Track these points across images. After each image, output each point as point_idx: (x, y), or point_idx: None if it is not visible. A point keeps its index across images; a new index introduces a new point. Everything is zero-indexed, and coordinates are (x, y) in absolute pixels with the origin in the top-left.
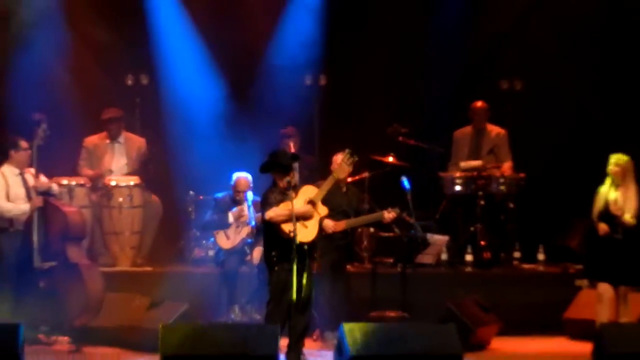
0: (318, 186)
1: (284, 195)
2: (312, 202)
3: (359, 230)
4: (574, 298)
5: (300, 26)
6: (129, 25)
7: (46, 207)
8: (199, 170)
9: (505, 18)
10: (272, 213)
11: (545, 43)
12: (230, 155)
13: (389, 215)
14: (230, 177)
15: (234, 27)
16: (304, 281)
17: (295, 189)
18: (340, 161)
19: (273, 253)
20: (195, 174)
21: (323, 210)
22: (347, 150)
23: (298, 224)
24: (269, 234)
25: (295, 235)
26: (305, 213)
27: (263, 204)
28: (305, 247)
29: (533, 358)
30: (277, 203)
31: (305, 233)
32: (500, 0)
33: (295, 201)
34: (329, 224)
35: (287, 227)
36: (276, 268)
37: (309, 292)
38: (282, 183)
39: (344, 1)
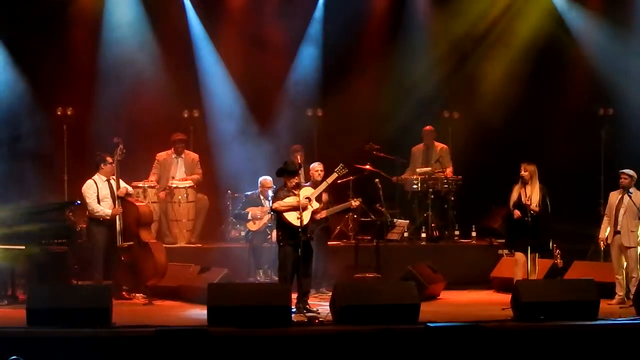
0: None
1: (290, 192)
2: (308, 199)
3: (346, 216)
4: (497, 263)
5: (303, 72)
6: (186, 72)
7: (125, 203)
8: (234, 176)
9: (448, 65)
10: (277, 205)
11: (477, 83)
12: (256, 164)
13: (355, 202)
14: (257, 180)
15: (258, 72)
16: (305, 253)
17: (301, 187)
18: (317, 175)
19: (279, 233)
20: (232, 178)
21: (315, 204)
22: (340, 165)
23: (296, 213)
24: (278, 220)
25: (302, 221)
26: (302, 206)
27: (273, 198)
28: (300, 229)
29: (470, 305)
30: (284, 198)
31: (299, 221)
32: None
33: (295, 198)
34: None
35: (288, 216)
36: (281, 244)
37: (308, 260)
38: (290, 184)
39: (336, 55)
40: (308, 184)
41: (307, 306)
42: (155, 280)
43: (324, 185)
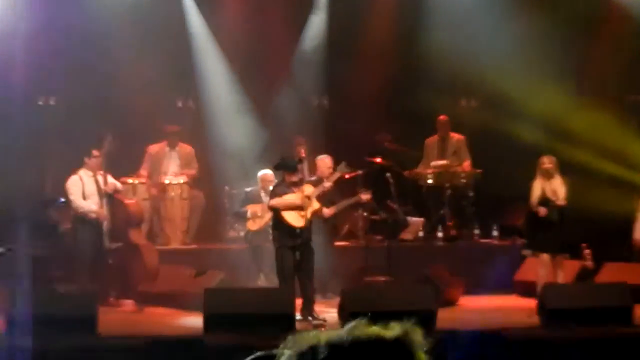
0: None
1: (289, 189)
2: (308, 197)
3: (355, 214)
4: (522, 264)
5: (307, 58)
6: (179, 59)
7: (112, 201)
8: (233, 170)
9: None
10: (274, 202)
11: (495, 69)
12: (256, 159)
13: (364, 196)
14: (256, 176)
15: (258, 60)
16: (305, 256)
17: (302, 184)
18: (325, 169)
19: (276, 233)
20: (230, 173)
21: (316, 204)
22: (343, 163)
23: (295, 213)
24: (274, 218)
25: (306, 220)
26: (301, 205)
27: (271, 194)
28: (298, 230)
29: (492, 311)
30: (282, 195)
31: (299, 220)
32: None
33: (295, 196)
34: (326, 210)
35: (287, 215)
36: (278, 245)
37: (310, 263)
38: (289, 179)
39: (342, 38)
40: (314, 178)
41: (313, 313)
42: (146, 285)
43: (322, 188)
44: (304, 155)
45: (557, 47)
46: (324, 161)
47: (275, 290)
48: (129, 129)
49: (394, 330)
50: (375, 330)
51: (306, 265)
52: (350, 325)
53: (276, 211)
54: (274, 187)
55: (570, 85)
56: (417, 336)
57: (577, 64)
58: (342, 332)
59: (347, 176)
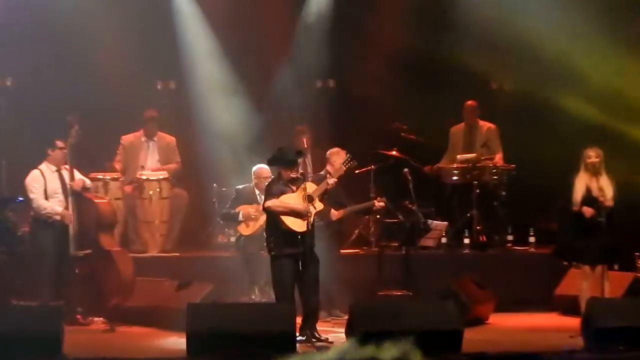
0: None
1: (286, 187)
2: (310, 197)
3: (367, 217)
4: (564, 276)
5: (311, 35)
6: (159, 35)
7: (80, 199)
8: (222, 165)
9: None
10: (270, 203)
11: (530, 47)
12: (250, 151)
13: (379, 203)
14: (250, 170)
15: (253, 37)
16: (307, 265)
17: (304, 181)
18: (339, 165)
19: (272, 239)
20: (219, 168)
21: (319, 205)
22: (347, 156)
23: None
24: (270, 221)
25: (309, 222)
26: (303, 211)
27: (266, 193)
28: (299, 236)
29: (528, 332)
30: (279, 194)
31: (300, 224)
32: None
33: (295, 195)
34: (334, 213)
35: (284, 218)
36: (274, 254)
37: (313, 274)
38: (286, 175)
39: (349, 13)
40: (323, 172)
41: (316, 333)
42: (120, 300)
43: (324, 185)
44: (306, 146)
45: (617, 16)
46: (340, 155)
47: (273, 306)
48: (99, 115)
49: (390, 351)
50: (370, 351)
51: (309, 277)
52: (342, 346)
53: (272, 213)
54: (269, 184)
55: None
56: (417, 358)
57: None
58: (334, 354)
59: (357, 171)
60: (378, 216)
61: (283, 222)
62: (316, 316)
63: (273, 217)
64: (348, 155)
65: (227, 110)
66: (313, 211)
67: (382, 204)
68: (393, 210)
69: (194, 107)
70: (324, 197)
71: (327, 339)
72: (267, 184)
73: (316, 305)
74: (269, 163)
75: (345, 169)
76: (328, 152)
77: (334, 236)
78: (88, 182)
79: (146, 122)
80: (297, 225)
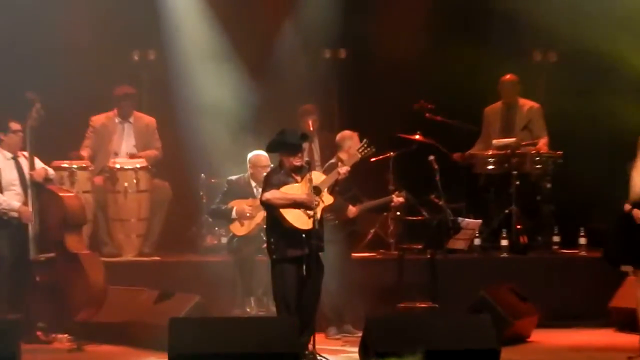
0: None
1: (289, 177)
2: (317, 189)
3: (385, 214)
4: (620, 285)
5: None
6: None
7: (41, 193)
8: (211, 152)
9: None
10: (269, 195)
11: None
12: (245, 136)
13: (397, 199)
14: (245, 157)
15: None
16: (312, 271)
17: (310, 170)
18: (354, 151)
19: (272, 240)
20: (207, 156)
21: (328, 199)
22: (364, 141)
23: (299, 212)
24: (269, 218)
25: (315, 220)
26: (308, 202)
27: (264, 184)
28: (304, 236)
29: (578, 352)
30: (280, 185)
31: (305, 221)
32: None
33: (299, 186)
34: (352, 209)
35: (288, 214)
36: (276, 257)
37: (317, 281)
38: (289, 163)
39: None
40: (334, 160)
41: (315, 352)
42: (88, 313)
43: (335, 175)
44: (312, 129)
45: None
46: (354, 140)
47: (272, 321)
48: (64, 92)
49: None
50: None
51: (311, 284)
52: None
53: (272, 208)
54: (269, 174)
55: None
56: None
57: None
58: None
59: (372, 159)
60: (398, 213)
61: (284, 219)
62: (311, 332)
63: (273, 213)
64: (364, 140)
65: (217, 85)
66: (321, 205)
67: (401, 198)
68: (416, 205)
69: (178, 81)
70: (334, 189)
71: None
72: (265, 173)
73: (312, 318)
74: (269, 149)
75: (360, 156)
76: (339, 136)
77: (345, 237)
78: (51, 172)
79: (120, 100)
80: (301, 222)
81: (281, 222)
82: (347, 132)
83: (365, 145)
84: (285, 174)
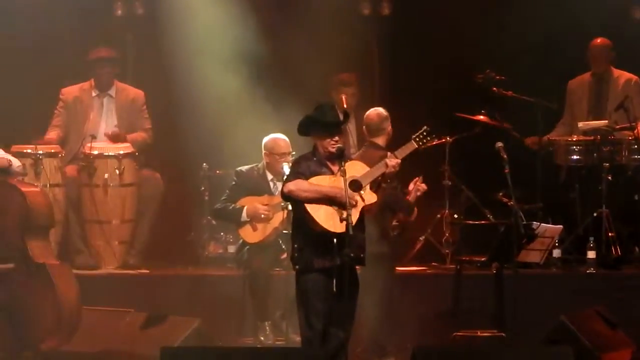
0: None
1: (323, 166)
2: (356, 184)
3: (438, 216)
4: None
5: None
6: None
7: (1, 187)
8: (216, 137)
9: None
10: (293, 185)
11: None
12: (260, 116)
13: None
14: (259, 144)
15: None
16: (344, 286)
17: (344, 158)
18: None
19: (297, 246)
20: (211, 142)
21: (370, 197)
22: (424, 128)
23: (333, 211)
24: (296, 219)
25: (349, 223)
26: (342, 198)
27: (290, 172)
28: (337, 241)
29: None
30: (309, 175)
31: (338, 223)
32: None
33: (333, 179)
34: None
35: (316, 212)
36: (300, 268)
37: (351, 300)
38: (324, 149)
39: None
40: (365, 148)
41: None
42: (57, 341)
43: (381, 168)
44: (347, 106)
45: None
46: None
47: (293, 352)
48: (27, 59)
49: None
50: None
51: (343, 305)
52: None
53: (298, 205)
54: (298, 160)
55: None
56: None
57: None
58: None
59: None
60: (456, 215)
61: (312, 218)
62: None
63: (299, 212)
64: (424, 127)
65: (221, 46)
66: (360, 204)
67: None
68: (478, 206)
69: (173, 44)
70: (380, 185)
71: None
72: (294, 160)
73: (344, 350)
74: (301, 130)
75: (417, 146)
76: (374, 115)
77: (389, 246)
78: (14, 161)
79: (96, 65)
80: (332, 223)
81: (307, 222)
82: (381, 111)
83: (425, 134)
84: (319, 162)
